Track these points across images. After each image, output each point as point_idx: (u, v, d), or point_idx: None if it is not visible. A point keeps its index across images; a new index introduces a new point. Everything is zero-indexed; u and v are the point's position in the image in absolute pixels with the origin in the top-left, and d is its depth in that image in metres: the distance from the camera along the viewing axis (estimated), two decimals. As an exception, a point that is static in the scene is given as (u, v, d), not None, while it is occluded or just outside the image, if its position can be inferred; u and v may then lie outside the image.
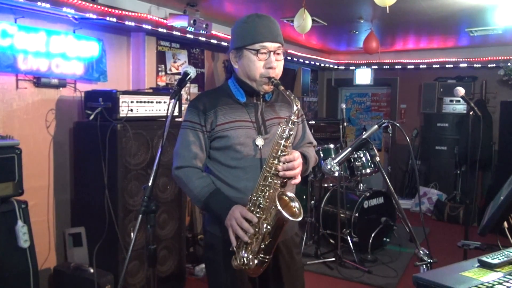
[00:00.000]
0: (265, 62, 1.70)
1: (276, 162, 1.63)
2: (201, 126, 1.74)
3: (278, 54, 1.73)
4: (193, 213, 4.32)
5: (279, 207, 1.53)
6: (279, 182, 1.63)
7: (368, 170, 4.41)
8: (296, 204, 1.63)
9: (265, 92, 1.77)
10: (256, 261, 1.60)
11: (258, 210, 1.62)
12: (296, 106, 1.65)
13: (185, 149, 1.74)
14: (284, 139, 1.64)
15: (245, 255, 1.60)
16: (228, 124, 1.72)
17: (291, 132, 1.65)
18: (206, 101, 1.76)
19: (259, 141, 1.72)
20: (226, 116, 1.73)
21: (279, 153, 1.63)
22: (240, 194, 1.70)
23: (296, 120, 1.66)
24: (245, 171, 1.72)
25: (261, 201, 1.62)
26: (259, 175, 1.66)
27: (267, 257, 1.61)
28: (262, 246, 1.59)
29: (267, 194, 1.62)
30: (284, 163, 1.62)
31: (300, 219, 1.60)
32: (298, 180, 1.68)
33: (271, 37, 1.69)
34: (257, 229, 1.59)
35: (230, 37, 1.83)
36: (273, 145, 1.65)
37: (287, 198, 1.65)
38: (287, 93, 1.69)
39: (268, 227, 1.57)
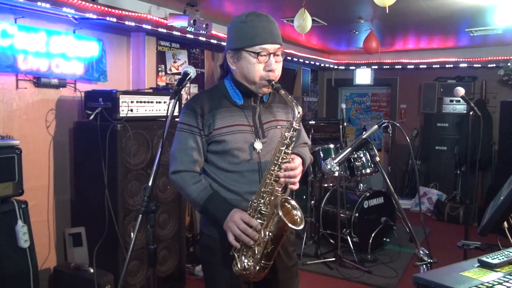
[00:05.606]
0: (265, 65, 1.65)
1: (277, 169, 1.62)
2: (199, 130, 1.70)
3: (277, 55, 1.69)
4: (193, 213, 4.32)
5: (281, 215, 1.54)
6: (279, 188, 1.64)
7: (368, 170, 4.41)
8: (298, 212, 1.64)
9: (264, 94, 1.75)
10: (258, 267, 1.61)
11: (259, 216, 1.61)
12: (299, 112, 1.63)
13: (183, 153, 1.70)
14: (285, 146, 1.63)
15: (246, 261, 1.61)
16: (226, 128, 1.68)
17: (293, 139, 1.64)
18: (204, 103, 1.71)
19: (258, 145, 1.70)
20: (224, 120, 1.69)
21: (280, 160, 1.63)
22: (238, 197, 1.70)
23: (298, 127, 1.64)
24: (243, 176, 1.70)
25: (262, 207, 1.62)
26: (258, 179, 1.67)
27: (268, 263, 1.62)
28: (265, 252, 1.59)
29: (267, 200, 1.62)
30: (285, 170, 1.63)
31: (301, 227, 1.61)
32: (296, 186, 1.70)
33: (271, 38, 1.65)
34: (258, 236, 1.59)
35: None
36: (275, 152, 1.64)
37: (289, 205, 1.66)
38: (289, 98, 1.65)
39: (270, 234, 1.57)
